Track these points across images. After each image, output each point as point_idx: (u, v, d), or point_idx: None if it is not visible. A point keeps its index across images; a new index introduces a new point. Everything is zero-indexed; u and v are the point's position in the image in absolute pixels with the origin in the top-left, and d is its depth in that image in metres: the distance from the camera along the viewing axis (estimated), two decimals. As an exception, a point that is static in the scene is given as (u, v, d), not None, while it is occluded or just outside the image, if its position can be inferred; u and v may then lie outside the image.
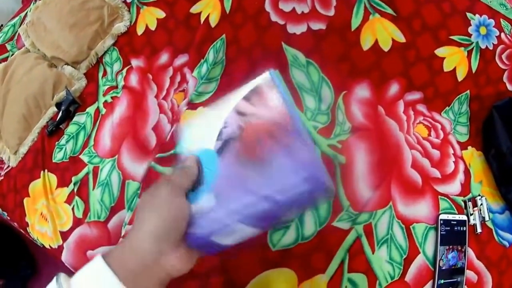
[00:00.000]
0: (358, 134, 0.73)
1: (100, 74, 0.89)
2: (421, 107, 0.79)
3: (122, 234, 0.74)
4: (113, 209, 0.78)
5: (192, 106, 0.77)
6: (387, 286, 0.67)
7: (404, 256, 0.69)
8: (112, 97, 0.85)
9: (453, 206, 0.73)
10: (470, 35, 0.82)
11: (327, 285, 0.66)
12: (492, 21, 0.84)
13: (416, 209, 0.71)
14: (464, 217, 0.73)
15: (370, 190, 0.70)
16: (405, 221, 0.70)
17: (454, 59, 0.80)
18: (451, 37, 0.81)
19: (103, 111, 0.84)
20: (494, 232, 0.76)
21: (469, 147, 0.79)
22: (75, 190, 0.81)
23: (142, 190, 0.74)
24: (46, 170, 0.86)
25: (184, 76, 0.81)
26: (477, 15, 0.83)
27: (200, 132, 0.54)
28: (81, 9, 0.89)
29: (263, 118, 0.46)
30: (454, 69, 0.80)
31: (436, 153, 0.76)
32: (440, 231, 0.71)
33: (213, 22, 0.81)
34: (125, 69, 0.86)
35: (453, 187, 0.74)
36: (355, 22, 0.78)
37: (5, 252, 1.18)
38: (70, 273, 0.43)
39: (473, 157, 0.79)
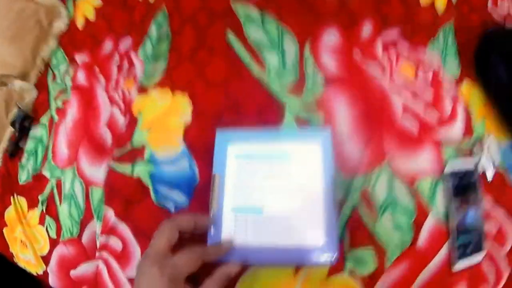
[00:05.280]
0: (334, 86, 0.53)
1: (50, 79, 0.70)
2: (402, 45, 0.57)
3: (98, 246, 0.59)
4: (83, 222, 0.59)
5: (143, 90, 0.57)
6: (398, 257, 0.50)
7: (412, 219, 0.49)
8: (63, 102, 0.66)
9: (458, 152, 0.53)
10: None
11: (329, 269, 0.50)
12: None
13: (418, 162, 0.51)
14: (472, 163, 0.53)
15: (359, 149, 0.50)
16: (407, 178, 0.50)
17: (430, -11, 0.60)
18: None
19: (56, 118, 0.65)
20: (508, 173, 0.56)
21: (464, 81, 0.58)
22: (44, 209, 0.64)
23: (106, 195, 0.58)
24: (15, 194, 0.69)
25: (131, 61, 0.61)
26: None
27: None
28: (18, 19, 0.70)
29: None
30: (432, 3, 0.60)
31: (428, 93, 0.55)
32: (449, 183, 0.52)
33: (151, -4, 0.60)
34: (71, 68, 0.67)
35: (455, 130, 0.54)
36: (310, -39, 0.58)
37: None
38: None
39: (471, 92, 0.58)
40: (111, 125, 0.59)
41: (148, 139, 0.54)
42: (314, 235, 0.44)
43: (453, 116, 0.54)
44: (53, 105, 0.66)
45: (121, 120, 0.58)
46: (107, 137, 0.58)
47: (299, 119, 0.51)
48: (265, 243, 0.44)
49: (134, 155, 0.54)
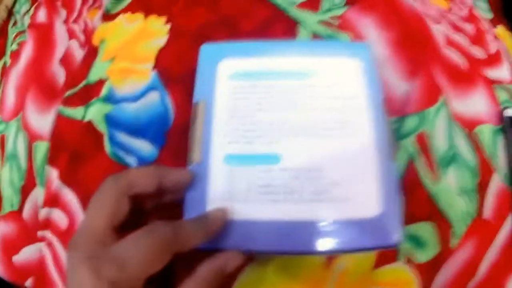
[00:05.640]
0: (358, 7, 0.26)
1: (11, 25, 0.40)
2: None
3: (40, 219, 0.29)
4: (24, 190, 0.29)
5: (108, 17, 0.29)
6: (464, 234, 0.24)
7: (477, 180, 0.24)
8: (18, 43, 0.35)
9: (510, 97, 0.29)
10: None
11: (377, 257, 0.22)
12: None
13: (473, 103, 0.25)
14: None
15: (404, 80, 0.24)
16: (465, 123, 0.24)
17: None
18: None
19: (9, 63, 0.35)
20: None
21: (499, 26, 0.32)
22: (-16, 175, 0.36)
23: (50, 151, 0.29)
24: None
25: (99, -12, 0.34)
26: None
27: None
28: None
29: None
30: None
31: (469, 27, 0.29)
32: (510, 133, 0.28)
33: None
34: (32, 7, 0.37)
35: (503, 71, 0.28)
36: None
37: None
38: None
39: (507, 38, 0.34)
40: (66, 60, 0.30)
41: (108, 72, 0.26)
42: (364, 200, 0.17)
43: (499, 55, 0.29)
44: (8, 50, 0.37)
45: (78, 54, 0.29)
46: (60, 75, 0.29)
47: (318, 38, 0.25)
48: (282, 217, 0.17)
49: (89, 93, 0.26)
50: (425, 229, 0.21)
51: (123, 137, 0.23)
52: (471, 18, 0.30)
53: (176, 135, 0.22)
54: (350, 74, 0.20)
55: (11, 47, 0.36)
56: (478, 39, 0.29)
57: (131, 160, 0.23)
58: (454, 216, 0.22)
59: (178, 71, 0.23)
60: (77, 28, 0.31)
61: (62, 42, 0.30)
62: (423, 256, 0.21)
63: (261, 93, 0.19)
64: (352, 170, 0.17)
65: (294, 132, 0.18)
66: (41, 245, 0.27)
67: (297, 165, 0.18)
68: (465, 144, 0.24)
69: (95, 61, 0.27)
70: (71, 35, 0.31)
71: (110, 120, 0.24)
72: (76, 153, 0.25)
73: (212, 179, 0.18)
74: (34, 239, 0.29)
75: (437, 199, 0.22)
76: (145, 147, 0.22)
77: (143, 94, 0.23)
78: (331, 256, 0.20)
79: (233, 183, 0.18)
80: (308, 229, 0.16)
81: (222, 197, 0.18)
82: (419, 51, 0.25)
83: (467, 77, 0.26)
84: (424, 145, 0.22)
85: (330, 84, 0.20)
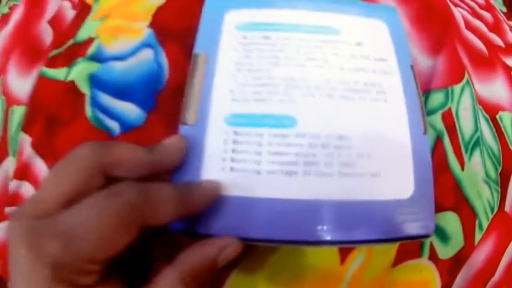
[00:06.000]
0: None
1: None
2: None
3: (10, 189, 0.23)
4: None
5: None
6: (487, 227, 0.20)
7: (500, 169, 0.20)
8: (10, 7, 0.32)
9: None
10: None
11: (397, 251, 0.17)
12: None
13: (495, 88, 0.21)
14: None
15: (427, 56, 0.20)
16: (488, 107, 0.20)
17: None
18: None
19: None
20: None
21: None
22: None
23: (26, 115, 0.23)
24: None
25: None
26: None
27: None
28: None
29: None
30: None
31: (487, 15, 0.26)
32: None
33: None
34: None
35: None
36: None
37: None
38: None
39: None
40: (55, 20, 0.26)
41: (98, 30, 0.22)
42: (395, 178, 0.13)
43: (516, 46, 0.27)
44: (-2, 14, 0.32)
45: (69, 14, 0.25)
46: (47, 36, 0.25)
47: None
48: (298, 194, 0.12)
49: (75, 53, 0.22)
50: (451, 220, 0.17)
51: (106, 99, 0.19)
52: (488, 7, 0.27)
53: (168, 97, 0.18)
54: (377, 34, 0.17)
55: (2, 10, 0.31)
56: (496, 27, 0.26)
57: (113, 125, 0.18)
58: (479, 206, 0.18)
59: (176, 28, 0.19)
60: (72, -11, 0.26)
61: (54, 3, 0.26)
62: (448, 251, 0.17)
63: (275, 45, 0.16)
64: (381, 140, 0.14)
65: (314, 91, 0.15)
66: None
67: (317, 131, 0.14)
68: (488, 129, 0.20)
69: (85, 21, 0.23)
70: (64, -4, 0.26)
71: (95, 80, 0.20)
72: (53, 117, 0.20)
73: (209, 143, 0.14)
74: (1, 217, 0.24)
75: (463, 186, 0.18)
76: (130, 110, 0.18)
77: (134, 51, 0.19)
78: (343, 250, 0.15)
79: (237, 148, 0.13)
80: (329, 212, 0.12)
81: (222, 166, 0.13)
82: (441, 28, 0.22)
83: (488, 61, 0.23)
84: (450, 124, 0.19)
85: (356, 42, 0.16)
